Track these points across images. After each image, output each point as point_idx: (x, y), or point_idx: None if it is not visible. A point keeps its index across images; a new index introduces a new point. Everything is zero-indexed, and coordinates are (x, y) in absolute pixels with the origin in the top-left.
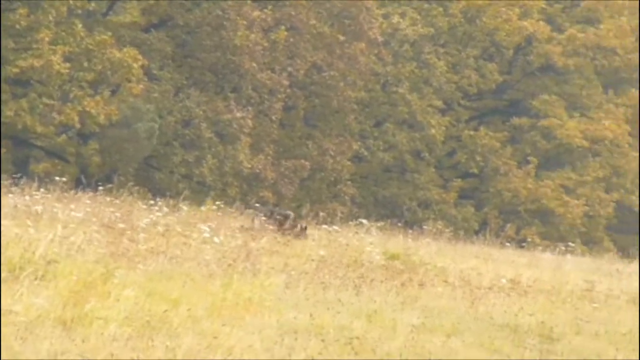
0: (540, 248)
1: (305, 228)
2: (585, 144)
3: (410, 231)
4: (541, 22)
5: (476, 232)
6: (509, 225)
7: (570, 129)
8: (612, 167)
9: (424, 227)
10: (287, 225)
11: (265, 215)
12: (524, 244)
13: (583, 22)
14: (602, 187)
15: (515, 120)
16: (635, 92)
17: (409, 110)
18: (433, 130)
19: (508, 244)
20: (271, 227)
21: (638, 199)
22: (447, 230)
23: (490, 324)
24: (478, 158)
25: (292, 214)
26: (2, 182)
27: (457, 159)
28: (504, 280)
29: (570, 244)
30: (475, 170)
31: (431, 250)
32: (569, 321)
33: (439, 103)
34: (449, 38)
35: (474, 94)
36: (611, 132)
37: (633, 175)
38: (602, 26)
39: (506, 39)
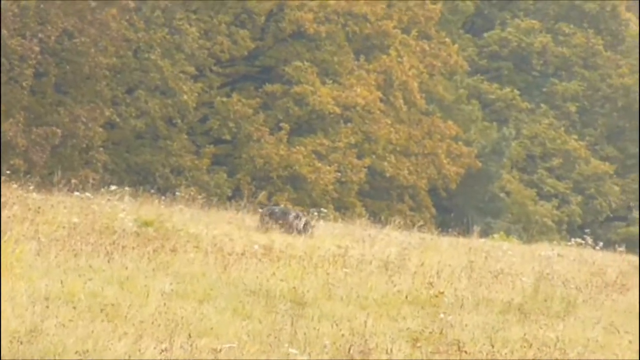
0: (292, 214)
1: (308, 223)
2: (337, 110)
3: (163, 198)
4: None
5: (229, 199)
6: (261, 191)
7: (322, 95)
8: (364, 133)
9: (177, 193)
10: (288, 223)
11: (266, 214)
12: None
13: None
14: (354, 153)
15: (268, 87)
16: (385, 58)
17: (161, 77)
18: (185, 97)
19: (261, 210)
20: (273, 225)
21: None
22: (200, 196)
23: (242, 289)
24: (230, 124)
25: (293, 212)
26: None
27: (209, 126)
28: (256, 246)
29: (322, 209)
30: (228, 137)
31: (184, 216)
32: (320, 286)
33: (191, 69)
34: (201, 4)
35: (226, 61)
36: (363, 99)
37: (384, 141)
38: None
39: (258, 5)
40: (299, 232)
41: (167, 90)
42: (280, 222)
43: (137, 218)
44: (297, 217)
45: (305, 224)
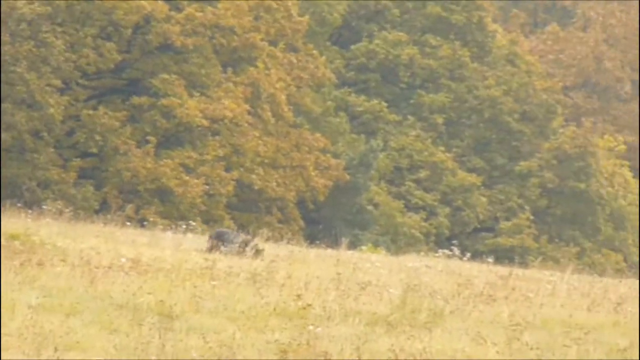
0: (161, 227)
1: (257, 247)
2: (205, 122)
3: (30, 211)
4: (159, 2)
5: (97, 212)
6: (129, 204)
7: (190, 108)
8: (232, 146)
9: (44, 207)
10: (240, 248)
11: (215, 238)
12: (145, 223)
13: (201, 1)
14: (222, 166)
15: (135, 100)
16: (253, 70)
17: (28, 90)
18: (52, 110)
19: (129, 224)
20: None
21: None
22: (67, 210)
23: (109, 303)
24: (97, 137)
25: (244, 237)
26: None
27: (76, 139)
28: (123, 260)
29: (191, 222)
30: (95, 150)
31: (51, 230)
32: (188, 299)
33: (57, 82)
34: (67, 17)
35: (93, 73)
36: (230, 111)
37: (252, 153)
38: (219, 5)
39: (124, 17)
40: (250, 255)
41: (34, 104)
42: (230, 245)
43: (3, 232)
44: (246, 241)
45: (256, 248)
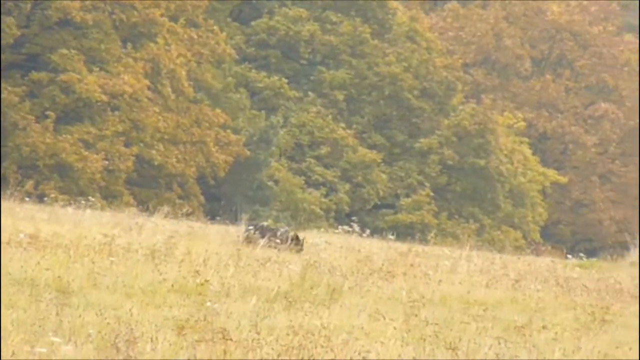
0: (60, 203)
1: (297, 238)
2: (105, 98)
3: None
4: None
5: None
6: (28, 180)
7: (89, 83)
8: (132, 122)
9: None
10: (279, 241)
11: (255, 231)
12: (44, 199)
13: None
14: (122, 142)
15: (34, 75)
16: (153, 46)
17: None
18: None
19: (28, 199)
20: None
21: None
22: None
23: (7, 279)
24: None
25: (281, 229)
26: None
27: None
28: (22, 235)
29: (90, 198)
30: None
31: None
32: (86, 275)
33: None
34: None
35: None
36: (130, 87)
37: (152, 129)
38: None
39: None
40: (291, 247)
41: None
42: (269, 237)
43: None
44: (285, 232)
45: (296, 239)
